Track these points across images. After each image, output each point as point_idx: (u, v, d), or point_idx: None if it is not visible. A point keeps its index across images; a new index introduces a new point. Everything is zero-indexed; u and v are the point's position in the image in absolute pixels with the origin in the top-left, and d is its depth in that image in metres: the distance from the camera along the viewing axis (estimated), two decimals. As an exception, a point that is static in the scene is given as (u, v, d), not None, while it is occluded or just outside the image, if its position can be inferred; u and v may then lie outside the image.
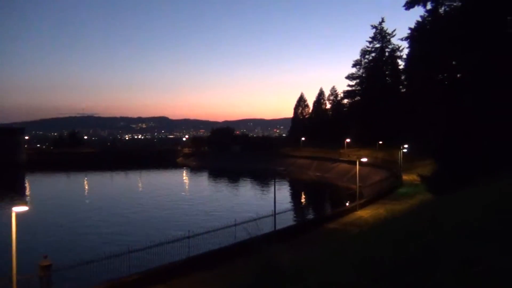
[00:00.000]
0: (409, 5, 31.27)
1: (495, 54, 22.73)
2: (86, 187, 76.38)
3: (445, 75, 31.07)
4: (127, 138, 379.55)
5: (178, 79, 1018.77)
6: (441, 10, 31.45)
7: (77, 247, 31.94)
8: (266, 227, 27.66)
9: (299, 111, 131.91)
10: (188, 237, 23.86)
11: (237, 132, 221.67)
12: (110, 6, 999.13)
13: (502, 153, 19.88)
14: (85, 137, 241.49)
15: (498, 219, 5.57)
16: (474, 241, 4.58)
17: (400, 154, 67.80)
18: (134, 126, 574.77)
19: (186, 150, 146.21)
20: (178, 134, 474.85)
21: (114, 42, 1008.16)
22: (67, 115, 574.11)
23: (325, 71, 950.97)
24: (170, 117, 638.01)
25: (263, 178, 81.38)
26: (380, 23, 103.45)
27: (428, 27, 34.34)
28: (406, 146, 71.50)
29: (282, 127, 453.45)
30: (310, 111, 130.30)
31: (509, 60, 21.88)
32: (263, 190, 67.73)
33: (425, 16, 35.66)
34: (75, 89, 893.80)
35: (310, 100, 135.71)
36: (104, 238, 35.14)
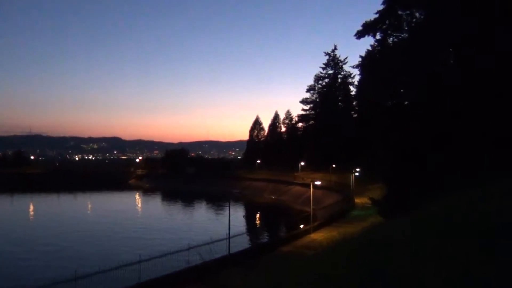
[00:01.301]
0: (360, 35, 32.77)
1: (433, 84, 24.29)
2: (31, 210, 72.55)
3: (394, 102, 32.58)
4: (77, 159, 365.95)
5: (132, 98, 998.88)
6: (390, 40, 33.17)
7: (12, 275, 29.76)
8: (220, 251, 27.32)
9: (255, 134, 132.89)
10: (139, 262, 23.11)
11: (192, 154, 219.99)
12: (58, 21, 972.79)
13: (448, 176, 20.88)
14: (32, 157, 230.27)
15: (439, 239, 5.88)
16: (415, 260, 4.81)
17: (353, 178, 69.45)
18: (84, 146, 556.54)
19: (139, 171, 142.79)
20: (131, 155, 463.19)
21: (63, 58, 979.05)
22: (11, 134, 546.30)
23: (281, 95, 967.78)
24: (123, 138, 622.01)
25: (218, 201, 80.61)
26: (333, 50, 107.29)
27: (377, 56, 36.07)
28: (358, 170, 73.39)
29: (237, 149, 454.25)
30: (266, 134, 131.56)
31: (444, 91, 23.38)
32: (218, 213, 67.05)
33: (375, 45, 37.49)
34: (21, 106, 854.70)
35: (266, 123, 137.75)
36: (46, 262, 33.30)
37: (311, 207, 43.61)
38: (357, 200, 59.87)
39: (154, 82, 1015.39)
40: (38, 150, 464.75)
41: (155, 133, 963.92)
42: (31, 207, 76.07)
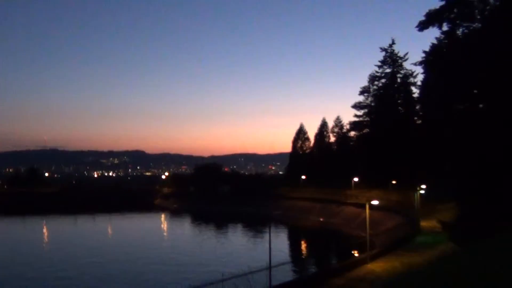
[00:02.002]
0: (422, 26, 32.13)
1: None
2: (45, 234, 75.14)
3: (466, 104, 31.48)
4: (95, 176, 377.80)
5: (157, 108, 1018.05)
6: (459, 31, 32.25)
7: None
8: (260, 283, 27.17)
9: (299, 145, 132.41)
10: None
11: (226, 169, 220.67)
12: (76, 29, 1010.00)
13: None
14: (46, 174, 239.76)
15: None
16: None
17: (417, 196, 67.80)
18: (104, 161, 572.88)
19: (165, 190, 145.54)
20: (156, 171, 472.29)
21: (81, 66, 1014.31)
22: (24, 148, 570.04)
23: (329, 99, 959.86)
24: (147, 151, 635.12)
25: (256, 224, 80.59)
26: (391, 45, 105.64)
27: (444, 50, 35.13)
28: (423, 186, 71.60)
29: (278, 163, 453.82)
30: (312, 145, 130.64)
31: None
32: (257, 239, 66.96)
33: (441, 38, 36.52)
34: (34, 118, 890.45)
35: (311, 133, 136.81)
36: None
37: (368, 232, 42.82)
38: (423, 223, 58.33)
39: (181, 90, 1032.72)
40: (53, 167, 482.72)
41: (182, 146, 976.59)
42: (45, 232, 78.78)
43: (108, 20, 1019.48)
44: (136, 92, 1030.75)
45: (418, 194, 68.34)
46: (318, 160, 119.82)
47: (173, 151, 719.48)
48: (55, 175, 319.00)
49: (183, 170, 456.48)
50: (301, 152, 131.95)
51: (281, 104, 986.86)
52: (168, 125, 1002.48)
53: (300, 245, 65.61)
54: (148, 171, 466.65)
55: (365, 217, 45.85)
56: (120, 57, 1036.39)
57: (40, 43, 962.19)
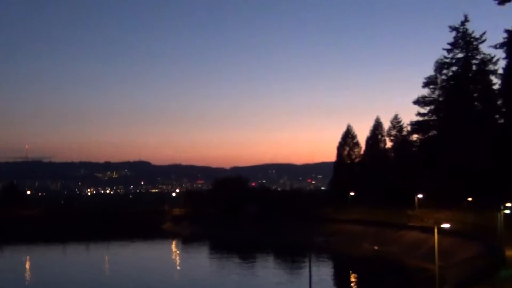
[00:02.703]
0: (505, -2, 31.74)
1: None
2: (27, 269, 76.53)
3: None
4: (89, 193, 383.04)
5: (165, 110, 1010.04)
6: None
7: None
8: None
9: (346, 152, 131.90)
10: None
11: (253, 184, 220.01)
12: (68, 25, 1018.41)
13: None
14: (28, 192, 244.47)
15: None
16: None
17: (501, 217, 66.63)
18: (100, 175, 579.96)
19: (176, 210, 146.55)
20: (164, 187, 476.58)
21: (70, 60, 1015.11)
22: (2, 161, 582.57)
23: (383, 93, 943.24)
24: (153, 163, 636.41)
25: (292, 254, 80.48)
26: (463, 24, 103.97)
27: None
28: (509, 205, 70.41)
29: (319, 176, 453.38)
30: (362, 152, 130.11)
31: None
32: (293, 273, 67.06)
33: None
34: (14, 123, 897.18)
35: (362, 136, 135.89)
36: None
37: (436, 264, 42.33)
38: (510, 253, 57.36)
39: (194, 88, 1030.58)
40: (36, 182, 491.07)
41: (197, 156, 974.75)
42: (27, 266, 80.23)
43: (102, 16, 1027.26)
44: (138, 92, 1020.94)
45: (502, 214, 67.11)
46: (370, 171, 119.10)
47: (185, 161, 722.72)
48: (39, 193, 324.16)
49: (199, 185, 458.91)
50: (348, 162, 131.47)
51: (323, 102, 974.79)
52: (178, 130, 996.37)
53: (348, 281, 65.30)
54: (155, 188, 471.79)
55: (433, 245, 45.34)
56: (119, 50, 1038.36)
57: (23, 39, 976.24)
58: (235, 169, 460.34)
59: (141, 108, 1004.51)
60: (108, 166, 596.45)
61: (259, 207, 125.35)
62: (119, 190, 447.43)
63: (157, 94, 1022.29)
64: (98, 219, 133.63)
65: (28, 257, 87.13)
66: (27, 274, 71.81)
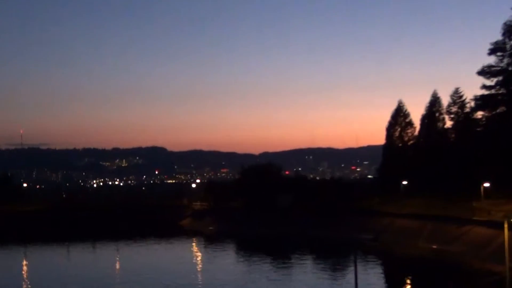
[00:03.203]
0: None
1: None
2: (24, 271, 77.77)
3: None
4: (94, 185, 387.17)
5: (182, 87, 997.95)
6: None
7: None
8: None
9: (396, 133, 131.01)
10: None
11: (287, 173, 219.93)
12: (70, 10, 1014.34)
13: None
14: (25, 185, 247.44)
15: None
16: None
17: None
18: (107, 164, 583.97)
19: (197, 204, 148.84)
20: (183, 177, 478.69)
21: (69, 36, 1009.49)
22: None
23: (441, 62, 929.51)
24: (169, 148, 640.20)
25: (333, 255, 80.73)
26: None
27: None
28: None
29: (365, 162, 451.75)
30: (416, 133, 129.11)
31: None
32: (335, 276, 67.15)
33: None
34: (7, 106, 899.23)
35: (416, 115, 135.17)
36: None
37: (507, 265, 42.03)
38: None
39: (215, 62, 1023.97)
40: (34, 173, 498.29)
41: (221, 140, 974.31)
42: (25, 269, 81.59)
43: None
44: (150, 67, 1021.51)
45: None
46: (426, 155, 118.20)
47: (207, 147, 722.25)
48: (37, 186, 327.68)
49: (223, 174, 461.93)
50: (400, 145, 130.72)
51: (369, 74, 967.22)
52: (199, 110, 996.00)
53: (402, 284, 65.20)
54: (172, 178, 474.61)
55: (503, 243, 45.02)
56: (128, 23, 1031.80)
57: (14, 17, 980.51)
58: (266, 155, 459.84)
59: (155, 86, 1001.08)
60: (116, 153, 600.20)
61: (294, 199, 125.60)
62: (129, 181, 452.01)
63: (174, 71, 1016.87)
64: (105, 215, 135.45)
65: (25, 260, 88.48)
66: (25, 279, 72.89)
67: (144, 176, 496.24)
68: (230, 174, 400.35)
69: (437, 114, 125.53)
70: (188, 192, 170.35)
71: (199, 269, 78.92)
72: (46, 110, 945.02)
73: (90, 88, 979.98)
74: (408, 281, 67.54)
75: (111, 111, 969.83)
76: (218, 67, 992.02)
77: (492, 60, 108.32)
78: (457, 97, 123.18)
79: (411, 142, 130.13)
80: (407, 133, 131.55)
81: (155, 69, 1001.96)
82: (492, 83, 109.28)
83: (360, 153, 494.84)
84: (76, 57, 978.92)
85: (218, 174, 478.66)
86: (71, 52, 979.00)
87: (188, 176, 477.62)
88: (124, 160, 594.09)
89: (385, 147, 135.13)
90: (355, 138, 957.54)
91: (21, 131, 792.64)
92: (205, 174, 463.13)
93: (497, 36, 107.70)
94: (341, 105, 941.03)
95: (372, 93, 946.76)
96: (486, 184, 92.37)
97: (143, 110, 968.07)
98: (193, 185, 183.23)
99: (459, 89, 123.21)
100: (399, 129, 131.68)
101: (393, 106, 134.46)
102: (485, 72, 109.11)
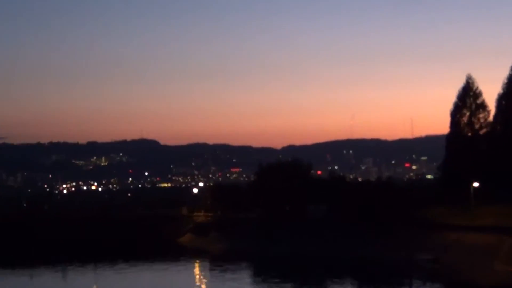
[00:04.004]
0: None
1: None
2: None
3: None
4: (65, 191, 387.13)
5: (178, 62, 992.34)
6: None
7: None
8: None
9: (464, 119, 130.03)
10: None
11: (319, 173, 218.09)
12: None
13: None
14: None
15: None
16: None
17: None
18: (81, 163, 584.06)
19: (199, 215, 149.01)
20: (181, 178, 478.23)
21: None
22: None
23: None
24: (163, 142, 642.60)
25: (383, 281, 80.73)
26: None
27: None
28: None
29: (423, 157, 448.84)
30: (491, 117, 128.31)
31: None
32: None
33: None
34: None
35: (490, 94, 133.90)
36: None
37: None
38: None
39: (221, 34, 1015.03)
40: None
41: (230, 130, 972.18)
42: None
43: None
44: (135, 43, 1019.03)
45: None
46: (505, 148, 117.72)
47: (212, 139, 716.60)
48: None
49: (235, 175, 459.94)
50: (469, 134, 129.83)
51: (425, 42, 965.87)
52: (200, 92, 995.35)
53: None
54: (167, 180, 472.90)
55: None
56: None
57: None
58: (290, 149, 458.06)
59: (142, 65, 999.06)
60: (93, 148, 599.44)
61: (329, 207, 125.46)
62: (111, 186, 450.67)
63: (165, 45, 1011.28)
64: (79, 230, 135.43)
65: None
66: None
67: (130, 179, 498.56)
68: (244, 175, 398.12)
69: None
70: (188, 199, 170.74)
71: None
72: (1, 95, 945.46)
73: (58, 66, 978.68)
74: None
75: (86, 94, 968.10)
76: (225, 36, 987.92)
77: None
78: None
79: (485, 130, 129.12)
80: (478, 118, 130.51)
81: (141, 45, 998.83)
82: None
83: (416, 146, 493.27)
84: (42, 29, 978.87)
85: (228, 175, 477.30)
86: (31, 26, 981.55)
87: (188, 178, 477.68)
88: (103, 158, 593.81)
89: (449, 137, 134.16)
90: (410, 126, 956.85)
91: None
92: (210, 176, 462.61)
93: None
94: (390, 83, 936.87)
95: (431, 67, 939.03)
96: None
97: (127, 93, 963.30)
98: (195, 190, 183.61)
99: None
100: (468, 114, 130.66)
101: (460, 84, 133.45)
102: None
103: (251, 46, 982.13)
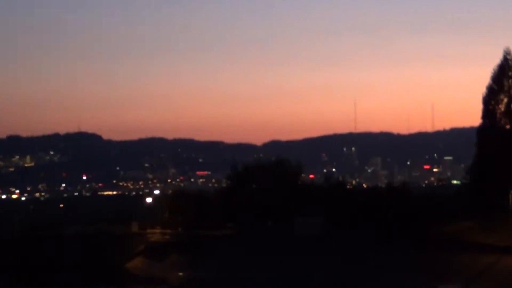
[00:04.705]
0: None
1: None
2: None
3: None
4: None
5: (125, 41, 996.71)
6: None
7: None
8: None
9: (501, 106, 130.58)
10: None
11: (311, 176, 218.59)
12: None
13: None
14: None
15: None
16: None
17: None
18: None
19: (155, 232, 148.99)
20: (130, 184, 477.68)
21: None
22: None
23: None
24: (107, 136, 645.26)
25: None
26: None
27: None
28: None
29: (448, 157, 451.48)
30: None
31: None
32: None
33: None
34: None
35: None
36: None
37: None
38: None
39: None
40: None
41: (197, 122, 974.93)
42: None
43: None
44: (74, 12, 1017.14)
45: None
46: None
47: (170, 134, 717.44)
48: None
49: (201, 180, 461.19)
50: (508, 127, 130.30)
51: (448, 9, 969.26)
52: (152, 74, 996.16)
53: None
54: (111, 186, 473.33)
55: None
56: None
57: None
58: (274, 146, 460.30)
59: (81, 39, 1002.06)
60: (15, 145, 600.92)
61: (325, 221, 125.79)
62: (38, 194, 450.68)
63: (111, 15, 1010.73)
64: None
65: None
66: None
67: (64, 185, 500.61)
68: (213, 180, 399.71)
69: None
70: (140, 211, 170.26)
71: None
72: None
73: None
74: None
75: (3, 75, 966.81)
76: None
77: None
78: None
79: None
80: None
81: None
82: None
83: (438, 142, 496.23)
84: None
85: (193, 179, 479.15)
86: None
87: (140, 183, 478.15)
88: (28, 157, 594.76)
89: (481, 131, 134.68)
90: (430, 116, 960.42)
91: None
92: (169, 180, 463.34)
93: None
94: (404, 60, 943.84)
95: (458, 40, 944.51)
96: None
97: (60, 74, 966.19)
98: (149, 199, 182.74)
99: None
100: (505, 100, 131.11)
101: (495, 61, 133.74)
102: None
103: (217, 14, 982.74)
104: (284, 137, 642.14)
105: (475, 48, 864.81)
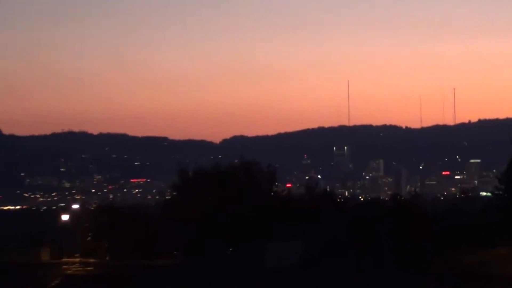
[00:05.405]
0: None
1: None
2: None
3: None
4: None
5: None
6: None
7: None
8: None
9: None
10: None
11: (289, 185, 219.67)
12: None
13: None
14: None
15: None
16: None
17: None
18: None
19: (74, 262, 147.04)
20: (39, 195, 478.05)
21: None
22: None
23: None
24: (8, 131, 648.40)
25: None
26: None
27: None
28: None
29: (474, 159, 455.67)
30: None
31: None
32: None
33: None
34: None
35: None
36: None
37: None
38: None
39: None
40: None
41: (129, 114, 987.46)
42: None
43: None
44: None
45: None
46: None
47: (96, 127, 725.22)
48: None
49: (138, 189, 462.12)
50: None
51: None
52: (68, 57, 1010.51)
53: None
54: (16, 200, 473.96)
55: None
56: None
57: None
58: (236, 143, 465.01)
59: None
60: None
61: (306, 247, 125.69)
62: None
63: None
64: None
65: None
66: None
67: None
68: (154, 190, 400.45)
69: None
70: (52, 232, 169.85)
71: None
72: None
73: None
74: None
75: None
76: None
77: None
78: None
79: None
80: None
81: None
82: None
83: (460, 139, 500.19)
84: None
85: (126, 189, 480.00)
86: None
87: (54, 194, 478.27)
88: None
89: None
90: (449, 104, 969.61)
91: None
92: (93, 190, 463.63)
93: None
94: (411, 30, 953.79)
95: (482, 7, 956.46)
96: None
97: None
98: (65, 217, 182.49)
99: None
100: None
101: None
102: None
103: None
104: (250, 131, 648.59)
105: (503, 17, 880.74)
